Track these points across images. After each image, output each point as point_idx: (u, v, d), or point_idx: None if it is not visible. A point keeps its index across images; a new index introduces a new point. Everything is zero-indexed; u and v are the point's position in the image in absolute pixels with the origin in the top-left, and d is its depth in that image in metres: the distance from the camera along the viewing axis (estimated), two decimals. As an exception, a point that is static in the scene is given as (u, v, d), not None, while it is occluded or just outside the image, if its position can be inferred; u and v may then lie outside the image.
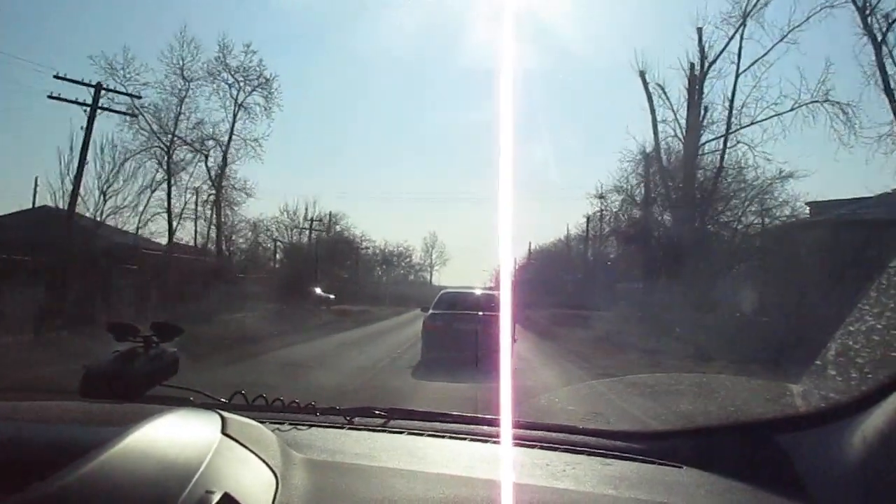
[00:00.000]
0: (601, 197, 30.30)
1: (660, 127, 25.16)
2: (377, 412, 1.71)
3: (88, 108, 19.52)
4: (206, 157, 26.06)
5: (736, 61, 23.21)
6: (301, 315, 23.41)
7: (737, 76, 23.28)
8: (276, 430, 1.41)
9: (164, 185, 23.89)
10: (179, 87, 25.03)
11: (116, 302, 17.47)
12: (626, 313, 22.39)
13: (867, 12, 19.93)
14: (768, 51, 22.71)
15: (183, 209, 25.03)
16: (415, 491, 1.15)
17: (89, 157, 19.25)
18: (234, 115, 26.74)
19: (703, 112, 24.07)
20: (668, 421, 1.85)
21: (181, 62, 25.09)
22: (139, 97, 22.52)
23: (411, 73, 77.73)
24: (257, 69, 26.91)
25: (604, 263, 35.38)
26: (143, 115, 23.40)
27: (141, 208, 21.54)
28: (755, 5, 22.80)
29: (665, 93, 24.88)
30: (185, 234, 26.75)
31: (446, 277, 68.00)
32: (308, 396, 1.76)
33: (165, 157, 23.98)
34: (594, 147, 64.88)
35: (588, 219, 37.01)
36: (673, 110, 24.85)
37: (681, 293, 19.76)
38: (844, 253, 15.69)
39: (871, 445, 1.10)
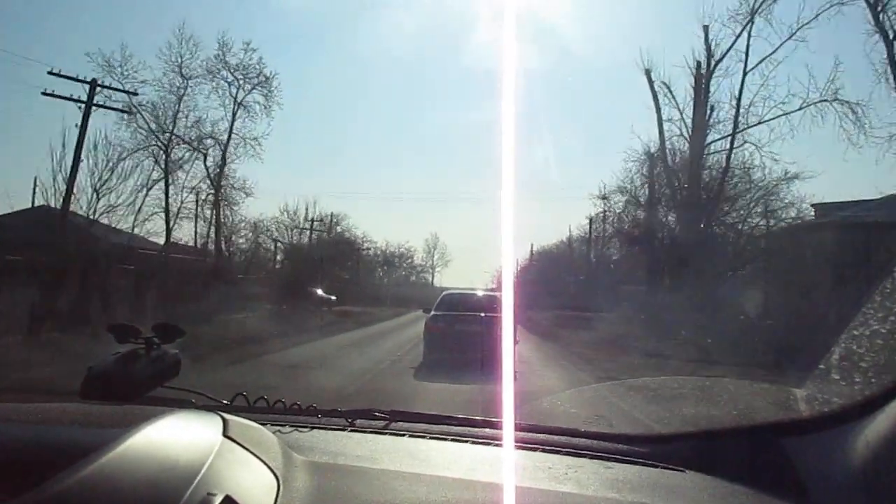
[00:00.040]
0: (604, 198, 30.00)
1: (665, 126, 24.90)
2: (379, 414, 1.70)
3: (83, 105, 19.38)
4: (205, 156, 25.92)
5: (743, 59, 22.90)
6: (302, 316, 23.37)
7: (744, 74, 22.93)
8: (278, 432, 1.41)
9: (162, 185, 23.78)
10: (178, 85, 24.82)
11: (112, 302, 17.24)
12: (629, 315, 22.31)
13: (879, 9, 19.62)
14: (777, 48, 22.39)
15: (179, 208, 24.88)
16: (416, 494, 1.15)
17: (82, 154, 18.99)
18: (234, 114, 26.52)
19: (709, 111, 23.76)
20: (671, 424, 1.85)
21: (180, 60, 24.88)
22: (135, 94, 22.29)
23: (412, 73, 77.84)
24: (257, 67, 26.67)
25: (606, 265, 35.30)
26: (141, 113, 23.30)
27: (137, 207, 21.33)
28: (763, 2, 22.43)
29: (671, 91, 24.57)
30: (184, 233, 26.64)
31: (448, 279, 67.99)
32: (309, 398, 1.76)
33: (163, 156, 23.83)
34: (596, 148, 64.87)
35: (590, 220, 36.98)
36: (679, 109, 24.55)
37: (684, 295, 19.69)
38: (849, 255, 15.66)
39: (875, 450, 1.10)
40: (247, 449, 1.10)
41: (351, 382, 9.17)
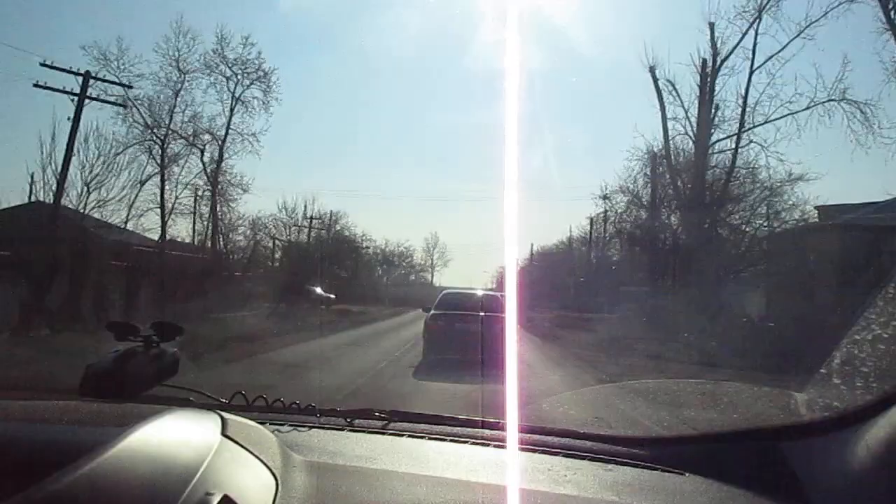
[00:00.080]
0: (606, 198, 29.78)
1: (669, 125, 24.44)
2: (378, 414, 1.70)
3: (76, 98, 19.07)
4: (202, 151, 25.48)
5: (750, 57, 22.40)
6: (301, 314, 23.33)
7: (750, 73, 22.45)
8: (276, 431, 1.41)
9: (156, 180, 23.30)
10: (175, 79, 24.26)
11: (105, 299, 17.06)
12: (631, 317, 22.27)
13: (890, 6, 19.22)
14: (784, 47, 21.90)
15: (174, 204, 24.42)
16: (416, 494, 1.15)
17: (74, 147, 18.63)
18: (232, 109, 25.98)
19: (714, 110, 23.34)
20: (672, 427, 1.84)
21: (177, 54, 24.32)
22: (130, 87, 21.96)
23: (413, 72, 77.52)
24: (256, 62, 26.08)
25: (608, 266, 35.23)
26: (136, 107, 22.87)
27: (131, 202, 20.90)
28: (771, -1, 22.02)
29: (676, 89, 24.09)
30: (180, 230, 26.41)
31: (447, 278, 67.89)
32: (308, 397, 1.76)
33: (159, 151, 23.42)
34: (598, 148, 64.52)
35: (591, 220, 36.94)
36: (683, 108, 24.10)
37: (687, 297, 19.61)
38: (852, 258, 15.62)
39: (875, 455, 1.09)
40: (245, 448, 1.09)
41: (350, 381, 9.16)
